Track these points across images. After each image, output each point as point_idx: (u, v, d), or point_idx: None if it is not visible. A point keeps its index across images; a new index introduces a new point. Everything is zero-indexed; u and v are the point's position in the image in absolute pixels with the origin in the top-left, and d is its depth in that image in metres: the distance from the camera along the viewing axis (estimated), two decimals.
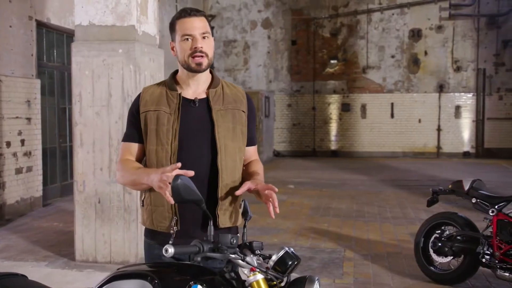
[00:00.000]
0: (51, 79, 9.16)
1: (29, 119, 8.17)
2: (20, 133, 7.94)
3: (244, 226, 2.29)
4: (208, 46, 2.25)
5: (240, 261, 1.93)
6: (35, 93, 8.33)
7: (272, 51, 16.80)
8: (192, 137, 2.25)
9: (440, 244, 4.67)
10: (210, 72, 2.38)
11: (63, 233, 6.77)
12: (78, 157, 5.34)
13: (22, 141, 8.00)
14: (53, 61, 9.24)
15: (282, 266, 1.96)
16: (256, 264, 1.97)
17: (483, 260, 4.32)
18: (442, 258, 4.69)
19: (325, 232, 6.77)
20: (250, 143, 2.41)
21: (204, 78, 2.32)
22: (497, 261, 4.26)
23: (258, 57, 16.84)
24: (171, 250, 1.75)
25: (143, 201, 2.35)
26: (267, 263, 2.09)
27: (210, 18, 16.63)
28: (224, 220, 2.27)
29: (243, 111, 2.35)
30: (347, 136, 16.57)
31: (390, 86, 16.33)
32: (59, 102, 9.37)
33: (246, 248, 2.08)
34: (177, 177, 1.88)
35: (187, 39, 2.22)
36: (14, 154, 7.82)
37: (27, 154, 8.12)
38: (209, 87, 2.33)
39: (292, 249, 2.03)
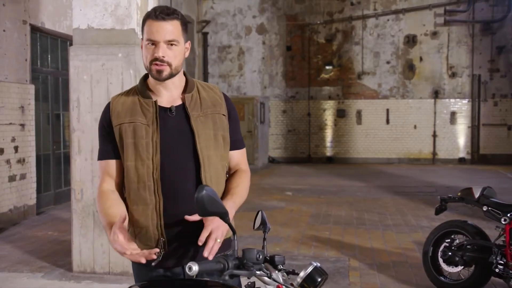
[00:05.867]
0: (45, 84, 8.98)
1: (22, 125, 7.98)
2: (13, 140, 7.75)
3: (264, 239, 2.15)
4: (173, 54, 2.02)
5: (266, 278, 1.80)
6: (29, 99, 8.15)
7: (267, 57, 16.71)
8: (173, 150, 2.06)
9: (450, 253, 4.55)
10: (184, 74, 2.18)
11: (58, 242, 6.58)
12: (76, 165, 5.18)
13: (16, 148, 7.81)
14: (47, 66, 9.06)
15: (311, 282, 1.85)
16: (282, 281, 1.85)
17: (496, 270, 4.21)
18: (452, 267, 4.57)
19: (327, 240, 6.65)
20: (235, 146, 2.22)
21: (177, 82, 2.12)
22: (511, 271, 4.14)
23: (253, 63, 16.74)
24: (195, 267, 1.61)
25: None
26: (289, 277, 1.97)
27: (204, 23, 16.57)
28: None
29: (223, 115, 2.16)
30: (342, 142, 16.49)
31: (385, 92, 16.28)
32: (53, 108, 9.18)
33: (267, 262, 1.95)
34: (201, 188, 1.75)
35: (151, 43, 2.00)
36: (8, 161, 7.63)
37: (21, 161, 7.93)
38: (183, 92, 2.14)
39: (319, 264, 1.91)
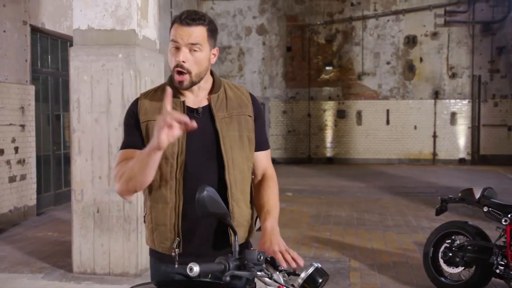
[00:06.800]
0: (45, 85, 8.97)
1: (23, 126, 7.98)
2: (13, 141, 7.75)
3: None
4: (194, 61, 1.99)
5: (267, 279, 1.79)
6: (29, 100, 8.14)
7: (267, 58, 16.71)
8: (198, 151, 2.06)
9: (450, 254, 4.54)
10: (211, 74, 2.16)
11: (58, 243, 6.57)
12: (76, 165, 5.17)
13: (16, 149, 7.80)
14: (48, 67, 9.06)
15: (312, 283, 1.84)
16: (283, 282, 1.84)
17: (497, 271, 4.20)
18: (453, 268, 4.57)
19: (328, 241, 6.64)
20: (260, 147, 2.20)
21: (203, 85, 2.11)
22: (511, 272, 4.14)
23: (253, 64, 16.74)
24: (196, 268, 1.60)
25: (144, 217, 2.16)
26: (289, 278, 1.97)
27: None
28: (239, 237, 2.03)
29: (249, 116, 2.14)
30: (342, 142, 16.48)
31: (385, 93, 16.28)
32: (53, 108, 9.18)
33: (268, 263, 1.95)
34: (202, 188, 1.74)
35: (175, 47, 1.99)
36: (8, 162, 7.62)
37: (21, 162, 7.92)
38: (210, 92, 2.13)
39: (320, 265, 1.90)
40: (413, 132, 16.10)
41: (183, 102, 2.08)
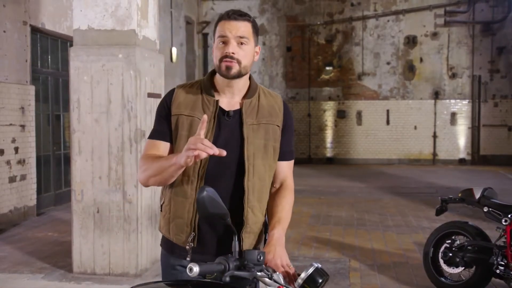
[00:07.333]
0: (45, 85, 8.97)
1: (23, 126, 7.97)
2: (14, 141, 7.74)
3: (265, 240, 2.18)
4: (243, 53, 2.02)
5: (267, 279, 1.80)
6: (29, 100, 8.14)
7: (267, 58, 16.70)
8: None
9: (450, 254, 4.54)
10: (250, 79, 2.17)
11: (58, 243, 6.57)
12: (76, 166, 5.17)
13: (16, 149, 7.80)
14: (48, 67, 9.06)
15: (312, 284, 1.84)
16: (283, 282, 1.84)
17: (497, 271, 4.21)
18: (453, 268, 4.57)
19: (328, 241, 6.64)
20: (284, 157, 2.22)
21: (241, 86, 2.12)
22: (511, 272, 4.14)
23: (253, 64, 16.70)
24: (195, 269, 1.60)
25: (162, 205, 2.19)
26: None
27: (204, 24, 16.58)
28: (248, 244, 2.12)
29: (277, 126, 2.16)
30: (342, 143, 16.48)
31: (385, 93, 16.28)
32: (54, 108, 9.18)
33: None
34: (202, 189, 1.75)
35: (222, 42, 2.03)
36: (8, 162, 7.62)
37: (21, 162, 7.92)
38: (244, 97, 2.14)
39: (320, 265, 1.91)
40: (413, 132, 16.10)
41: (217, 101, 2.09)
